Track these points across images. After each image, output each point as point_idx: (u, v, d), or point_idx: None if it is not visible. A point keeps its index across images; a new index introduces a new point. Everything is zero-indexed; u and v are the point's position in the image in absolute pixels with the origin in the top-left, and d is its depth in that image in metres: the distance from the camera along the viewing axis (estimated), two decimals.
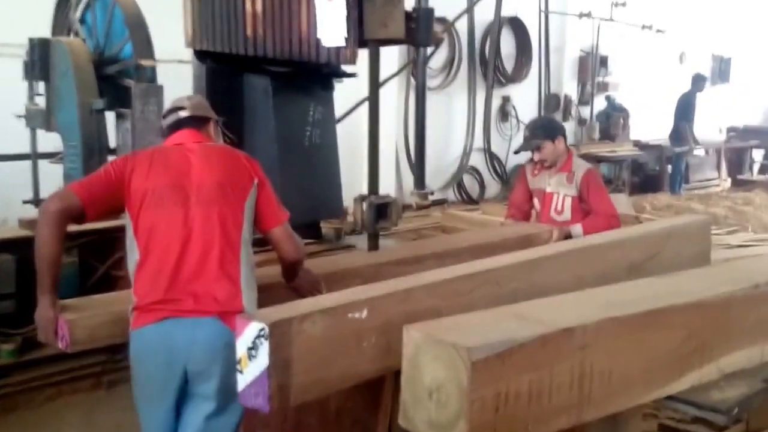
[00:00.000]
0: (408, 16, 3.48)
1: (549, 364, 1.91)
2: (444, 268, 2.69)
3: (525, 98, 11.26)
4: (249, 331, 2.05)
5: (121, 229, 4.12)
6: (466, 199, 10.60)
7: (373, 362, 2.28)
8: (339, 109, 5.64)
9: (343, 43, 3.26)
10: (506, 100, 11.12)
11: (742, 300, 2.37)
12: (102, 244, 4.31)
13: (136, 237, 2.57)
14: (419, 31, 3.51)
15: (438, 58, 10.12)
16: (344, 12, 3.21)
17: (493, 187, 11.15)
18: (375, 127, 3.43)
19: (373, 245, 3.57)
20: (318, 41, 3.34)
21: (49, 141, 5.34)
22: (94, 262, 4.30)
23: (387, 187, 9.23)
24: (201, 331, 2.48)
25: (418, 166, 4.45)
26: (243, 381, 2.08)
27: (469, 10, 9.22)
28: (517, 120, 11.22)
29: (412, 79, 9.75)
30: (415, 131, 4.51)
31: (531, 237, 3.90)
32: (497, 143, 11.05)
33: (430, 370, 1.85)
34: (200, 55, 4.00)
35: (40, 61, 4.95)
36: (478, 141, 10.62)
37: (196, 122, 2.83)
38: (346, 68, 4.14)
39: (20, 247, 3.87)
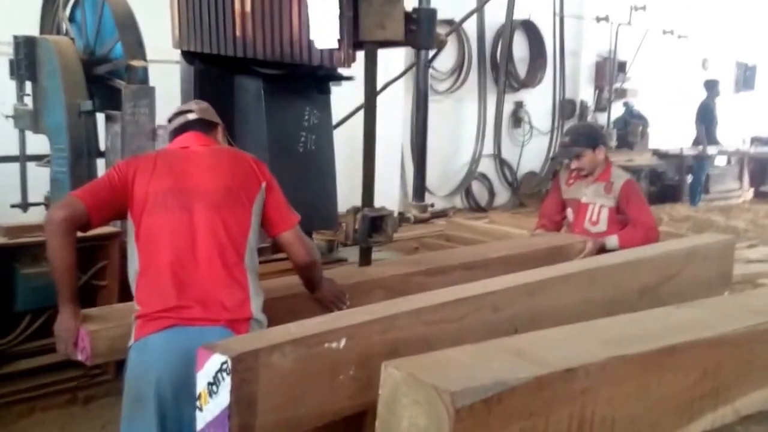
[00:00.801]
0: (408, 17, 3.26)
1: (545, 411, 1.68)
2: (434, 291, 2.47)
3: (539, 104, 10.99)
4: (210, 364, 1.86)
5: (102, 238, 4.02)
6: (474, 207, 10.35)
7: (351, 398, 2.08)
8: (338, 114, 5.45)
9: (336, 45, 3.04)
10: (519, 105, 10.86)
11: (765, 335, 2.13)
12: (83, 253, 4.08)
13: (137, 242, 2.47)
14: (420, 33, 3.29)
15: (446, 62, 9.88)
16: (337, 12, 2.99)
17: (503, 195, 10.90)
18: (371, 135, 3.21)
19: (366, 260, 3.34)
20: (310, 42, 3.12)
21: (39, 143, 5.15)
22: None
23: (392, 196, 9.12)
24: (210, 340, 2.28)
25: (418, 175, 4.22)
26: (202, 419, 1.89)
27: (478, 11, 8.98)
28: (530, 126, 10.97)
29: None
30: (415, 138, 4.28)
31: (563, 248, 3.78)
32: (509, 150, 10.81)
33: (408, 416, 1.64)
34: (188, 56, 3.80)
35: (26, 59, 4.75)
36: (489, 147, 10.41)
37: (204, 126, 2.75)
38: (344, 71, 3.91)
39: None
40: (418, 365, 1.71)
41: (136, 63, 4.68)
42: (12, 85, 5.05)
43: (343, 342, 2.07)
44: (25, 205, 5.28)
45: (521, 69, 10.70)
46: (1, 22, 5.27)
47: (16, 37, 4.78)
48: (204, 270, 2.43)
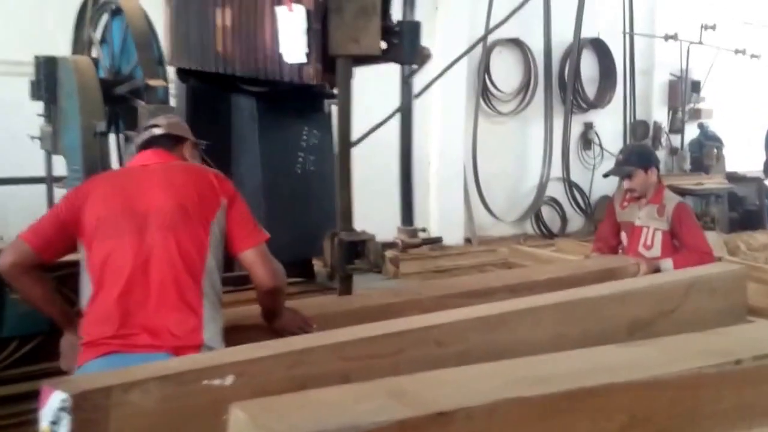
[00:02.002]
0: (390, 30, 3.05)
1: None
2: (365, 324, 2.22)
3: (609, 125, 10.47)
4: (52, 402, 1.67)
5: None
6: (546, 234, 9.91)
7: None
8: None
9: (304, 60, 2.86)
10: (588, 126, 10.37)
11: (716, 379, 1.80)
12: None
13: (88, 270, 2.38)
14: (403, 47, 3.06)
15: (511, 82, 9.56)
16: (305, 25, 2.81)
17: (576, 220, 10.40)
18: (346, 157, 3.00)
19: (345, 289, 3.10)
20: (280, 57, 2.95)
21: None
22: (72, 295, 4.00)
23: (455, 223, 8.85)
24: None
25: (405, 198, 3.96)
26: None
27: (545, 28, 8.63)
28: (601, 148, 10.45)
29: (483, 104, 9.30)
30: (400, 157, 4.03)
31: (615, 270, 3.65)
32: (579, 173, 10.32)
33: None
34: (181, 73, 3.71)
35: (46, 80, 4.80)
36: (557, 170, 9.98)
37: (170, 141, 2.66)
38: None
39: None
40: (270, 407, 1.51)
41: (154, 82, 4.65)
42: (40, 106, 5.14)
43: (230, 379, 1.85)
44: None
45: (590, 89, 10.23)
46: (25, 42, 5.33)
47: (37, 58, 4.84)
48: (155, 295, 2.32)
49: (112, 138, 4.94)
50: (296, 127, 3.80)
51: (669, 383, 1.73)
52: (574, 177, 10.16)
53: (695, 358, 1.84)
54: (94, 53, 5.22)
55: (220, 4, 3.25)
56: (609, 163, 10.48)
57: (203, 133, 3.77)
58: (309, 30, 2.84)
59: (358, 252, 3.06)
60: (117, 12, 4.89)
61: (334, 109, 4.75)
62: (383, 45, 3.13)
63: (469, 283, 3.41)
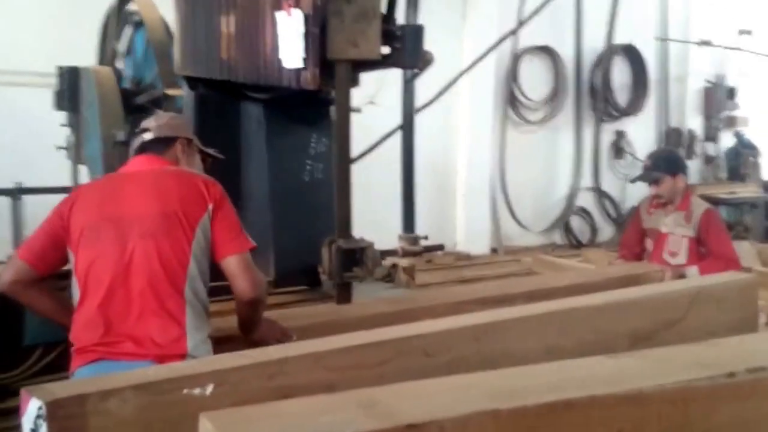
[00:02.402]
0: (392, 34, 3.01)
1: None
2: (350, 333, 2.17)
3: (642, 133, 10.26)
4: (30, 409, 1.66)
5: None
6: (575, 244, 9.74)
7: None
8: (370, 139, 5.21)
9: (300, 64, 2.83)
10: (620, 135, 10.17)
11: (707, 393, 1.71)
12: None
13: (76, 277, 2.39)
14: (405, 51, 3.02)
15: (540, 90, 9.44)
16: (302, 29, 2.79)
17: (606, 230, 10.19)
18: (344, 164, 2.96)
19: (343, 298, 3.05)
20: (279, 62, 2.93)
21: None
22: None
23: (481, 234, 8.76)
24: None
25: (406, 206, 3.88)
26: None
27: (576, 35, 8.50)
28: (633, 157, 10.24)
29: (511, 113, 9.20)
30: (402, 164, 3.96)
31: (639, 277, 3.54)
32: (610, 182, 10.14)
33: None
34: (189, 81, 3.72)
35: (68, 90, 4.89)
36: (587, 180, 9.82)
37: (161, 145, 2.63)
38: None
39: None
40: (238, 417, 1.48)
41: (172, 92, 4.68)
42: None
43: (210, 388, 1.80)
44: None
45: (622, 96, 10.04)
46: (55, 54, 5.41)
47: (60, 68, 4.92)
48: (137, 303, 2.30)
49: None
50: (304, 134, 3.77)
51: (656, 397, 1.64)
52: (605, 186, 9.98)
53: (686, 371, 1.74)
54: (120, 64, 5.30)
55: (224, 11, 3.25)
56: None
57: (212, 141, 3.76)
58: (307, 34, 2.81)
59: (356, 259, 3.01)
60: (140, 23, 4.96)
61: None
62: (386, 49, 3.10)
63: (486, 289, 3.32)
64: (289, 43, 2.85)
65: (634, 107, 10.09)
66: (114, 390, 1.69)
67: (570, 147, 9.66)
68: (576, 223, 9.92)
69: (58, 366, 3.79)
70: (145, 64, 5.01)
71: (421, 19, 7.81)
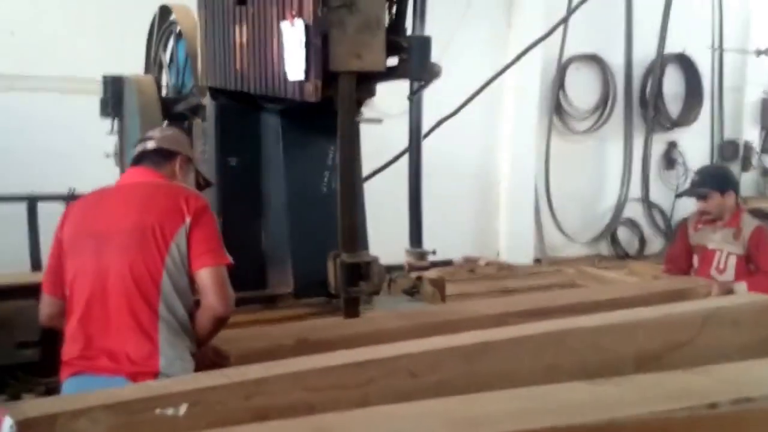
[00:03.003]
0: (398, 46, 3.03)
1: None
2: (339, 351, 2.15)
3: (695, 144, 9.97)
4: (4, 426, 1.69)
5: None
6: (621, 255, 9.56)
7: None
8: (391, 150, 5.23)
9: (302, 76, 2.88)
10: (672, 145, 9.92)
11: (685, 424, 1.66)
12: None
13: (66, 288, 2.46)
14: (412, 63, 3.03)
15: (588, 100, 9.31)
16: (303, 39, 2.84)
17: (655, 243, 9.95)
18: (349, 177, 2.99)
19: (351, 312, 3.06)
20: (284, 74, 3.00)
21: None
22: None
23: (524, 246, 8.66)
24: None
25: (414, 219, 3.87)
26: None
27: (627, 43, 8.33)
28: (685, 168, 9.95)
29: (557, 122, 9.10)
30: (409, 177, 3.96)
31: (684, 292, 3.48)
32: (661, 193, 9.90)
33: None
34: (212, 91, 3.82)
35: (113, 98, 5.06)
36: (636, 191, 9.62)
37: (159, 157, 2.64)
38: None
39: None
40: None
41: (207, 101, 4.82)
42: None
43: (183, 408, 1.78)
44: None
45: (674, 106, 9.78)
46: (104, 61, 5.62)
47: (105, 77, 5.10)
48: (113, 318, 2.33)
49: None
50: (322, 144, 3.78)
51: (629, 428, 1.59)
52: (655, 197, 9.76)
53: (666, 400, 1.70)
54: (165, 73, 5.48)
55: (237, 22, 3.32)
56: None
57: (232, 151, 3.89)
58: (308, 45, 2.84)
59: (362, 274, 3.00)
60: (182, 33, 5.12)
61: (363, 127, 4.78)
62: (394, 61, 3.12)
63: (527, 301, 3.31)
64: (293, 54, 2.90)
65: (686, 118, 9.82)
66: (84, 409, 1.69)
67: (618, 157, 9.48)
68: (623, 234, 9.72)
69: None
70: (186, 73, 5.16)
71: (465, 27, 7.96)
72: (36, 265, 5.31)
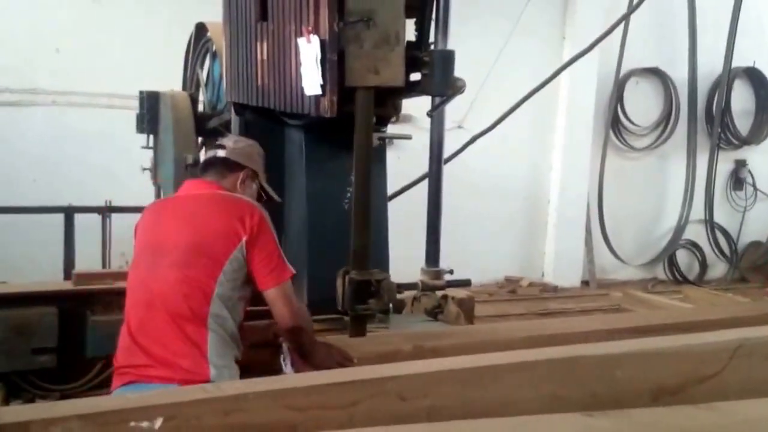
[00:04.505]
0: (419, 61, 2.89)
1: None
2: (322, 371, 2.06)
3: (766, 163, 9.51)
4: None
5: None
6: (680, 279, 9.12)
7: None
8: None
9: (318, 91, 2.77)
10: (741, 164, 9.46)
11: None
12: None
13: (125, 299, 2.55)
14: (433, 78, 2.89)
15: (648, 116, 8.93)
16: (319, 55, 2.73)
17: (718, 267, 9.49)
18: (363, 194, 2.87)
19: (357, 331, 2.93)
20: (302, 89, 2.89)
21: None
22: None
23: (575, 262, 8.35)
24: None
25: (432, 239, 3.68)
26: None
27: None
28: (755, 188, 9.49)
29: (614, 138, 8.76)
30: (429, 195, 3.77)
31: (751, 320, 3.14)
32: (727, 215, 9.44)
33: None
34: (237, 107, 3.74)
35: (148, 114, 5.06)
36: (699, 211, 9.17)
37: (225, 168, 2.68)
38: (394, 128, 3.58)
39: (64, 301, 3.81)
40: None
41: None
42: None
43: (158, 422, 1.74)
44: None
45: (743, 123, 9.32)
46: (146, 77, 5.64)
47: (141, 93, 5.12)
48: (164, 331, 2.38)
49: None
50: (344, 161, 3.63)
51: None
52: (720, 219, 9.30)
53: None
54: (202, 90, 5.47)
55: (259, 38, 3.25)
56: (764, 206, 9.56)
57: None
58: (324, 60, 2.75)
59: (371, 292, 2.88)
60: (216, 51, 5.10)
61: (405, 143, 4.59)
62: (417, 76, 2.99)
63: (594, 324, 3.15)
64: (309, 69, 2.80)
65: (757, 135, 9.36)
66: (59, 419, 1.65)
67: (680, 175, 9.07)
68: (683, 257, 9.31)
69: None
70: (221, 90, 5.13)
71: (520, 39, 7.74)
72: (69, 275, 5.36)
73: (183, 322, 2.38)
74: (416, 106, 3.98)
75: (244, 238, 2.43)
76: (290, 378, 1.99)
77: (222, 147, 2.71)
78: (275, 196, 2.90)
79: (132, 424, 1.70)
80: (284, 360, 2.70)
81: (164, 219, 2.56)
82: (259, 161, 2.81)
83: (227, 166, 2.68)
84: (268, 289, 2.48)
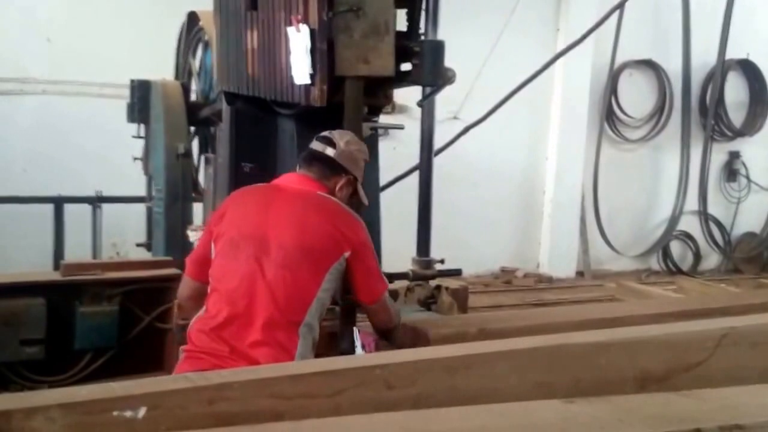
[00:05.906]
0: (410, 50, 2.88)
1: None
2: (307, 360, 2.05)
3: (760, 155, 9.51)
4: None
5: (166, 279, 4.04)
6: (673, 270, 9.14)
7: None
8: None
9: (308, 81, 2.75)
10: (734, 156, 9.47)
11: None
12: (148, 293, 4.07)
13: (210, 281, 2.47)
14: (424, 68, 2.87)
15: (642, 107, 8.93)
16: (308, 44, 2.71)
17: (712, 258, 9.51)
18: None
19: (347, 320, 2.91)
20: (291, 79, 2.87)
21: None
22: (139, 311, 4.06)
23: (569, 252, 8.37)
24: None
25: (422, 228, 3.66)
26: None
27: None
28: (748, 180, 9.51)
29: (608, 130, 8.76)
30: (419, 185, 3.75)
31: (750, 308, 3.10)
32: (721, 206, 9.46)
33: None
34: (228, 96, 3.72)
35: (139, 103, 5.03)
36: (693, 203, 9.19)
37: (329, 168, 2.58)
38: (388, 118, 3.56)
39: (52, 291, 3.78)
40: None
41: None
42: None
43: (142, 411, 1.73)
44: (149, 245, 5.51)
45: (737, 115, 9.32)
46: (138, 67, 5.60)
47: (132, 81, 5.08)
48: (256, 327, 2.36)
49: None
50: None
51: None
52: (714, 210, 9.32)
53: (644, 424, 1.52)
54: (194, 79, 5.44)
55: (249, 27, 3.23)
56: (757, 197, 9.60)
57: (248, 156, 3.79)
58: (314, 50, 2.73)
59: None
60: (208, 41, 5.06)
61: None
62: (407, 66, 2.97)
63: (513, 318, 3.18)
64: (299, 58, 2.79)
65: (750, 127, 9.36)
66: (41, 407, 1.60)
67: (674, 167, 9.09)
68: (677, 248, 9.33)
69: (106, 371, 3.92)
70: (213, 79, 5.11)
71: (513, 31, 7.72)
72: (58, 265, 5.33)
73: (277, 325, 2.36)
74: (411, 97, 3.96)
75: (347, 254, 2.42)
76: (275, 367, 1.98)
77: (332, 144, 2.60)
78: (365, 201, 2.77)
79: (115, 413, 1.66)
80: (357, 344, 2.80)
81: (270, 211, 2.47)
82: (362, 168, 2.69)
83: (332, 167, 2.57)
84: (369, 304, 2.57)
